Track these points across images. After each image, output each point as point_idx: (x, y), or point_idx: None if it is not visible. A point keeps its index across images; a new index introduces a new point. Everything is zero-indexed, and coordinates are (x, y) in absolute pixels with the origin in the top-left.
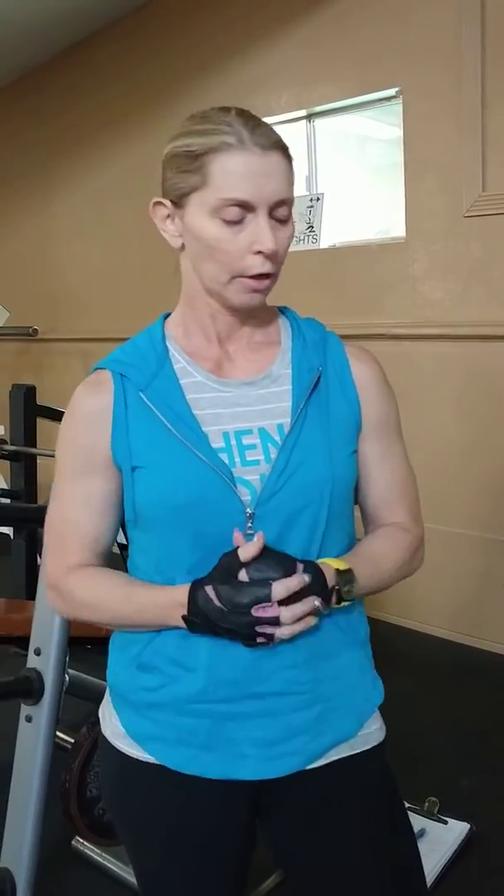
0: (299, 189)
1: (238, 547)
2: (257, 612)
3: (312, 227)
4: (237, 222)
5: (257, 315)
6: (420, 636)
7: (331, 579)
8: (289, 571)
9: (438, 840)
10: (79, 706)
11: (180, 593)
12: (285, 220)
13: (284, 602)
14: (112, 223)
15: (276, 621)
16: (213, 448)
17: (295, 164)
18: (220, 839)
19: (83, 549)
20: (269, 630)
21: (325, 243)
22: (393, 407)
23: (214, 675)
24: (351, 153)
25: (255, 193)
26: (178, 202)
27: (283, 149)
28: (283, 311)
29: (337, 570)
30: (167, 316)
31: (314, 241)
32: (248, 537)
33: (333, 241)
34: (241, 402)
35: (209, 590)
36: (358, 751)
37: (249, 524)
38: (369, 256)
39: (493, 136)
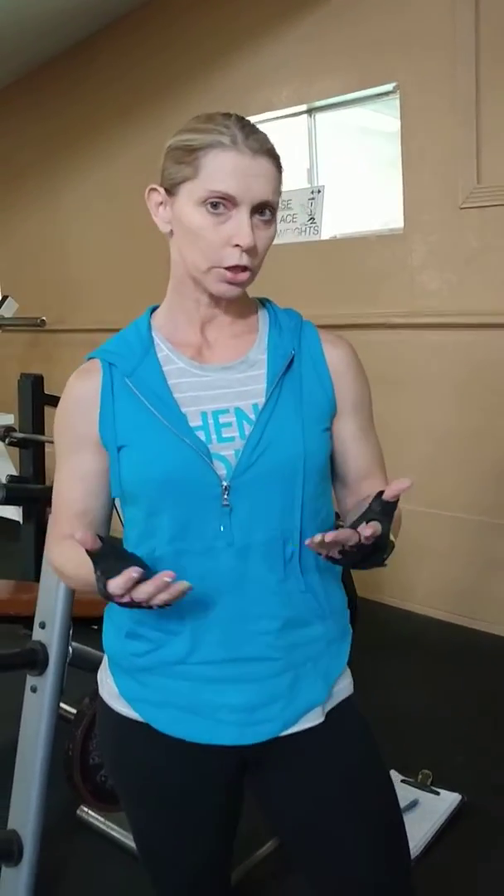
0: (301, 182)
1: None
2: (119, 601)
3: (313, 218)
4: (220, 215)
5: (238, 305)
6: (421, 618)
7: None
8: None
9: (430, 809)
10: (81, 680)
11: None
12: (268, 221)
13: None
14: (120, 214)
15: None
16: (191, 427)
17: (296, 162)
18: (204, 797)
19: (71, 521)
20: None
21: (325, 234)
22: (366, 388)
23: (198, 637)
24: (353, 146)
25: (241, 190)
26: (171, 190)
27: (273, 156)
28: (263, 302)
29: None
30: (154, 309)
31: (315, 232)
32: (225, 509)
33: (335, 232)
34: (220, 385)
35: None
36: (329, 708)
37: (225, 496)
38: (368, 247)
39: (487, 130)
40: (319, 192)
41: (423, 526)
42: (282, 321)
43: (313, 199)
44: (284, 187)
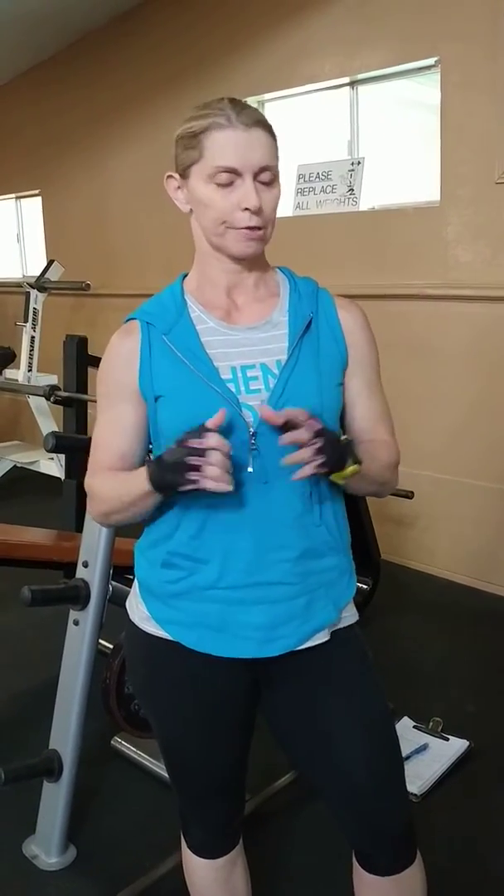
0: (341, 153)
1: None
2: (190, 442)
3: (353, 189)
4: (227, 185)
5: (259, 271)
6: (441, 582)
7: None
8: None
9: (439, 753)
10: (118, 618)
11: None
12: (270, 183)
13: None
14: (163, 183)
15: (203, 453)
16: (223, 379)
17: (337, 133)
18: (227, 705)
19: (110, 460)
20: (195, 461)
21: (364, 206)
22: (374, 349)
23: (226, 564)
24: (394, 118)
25: (241, 161)
26: (184, 174)
27: (265, 126)
28: (281, 270)
29: (343, 438)
30: (185, 276)
31: (354, 203)
32: (253, 452)
33: (373, 203)
34: (246, 344)
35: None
36: (335, 628)
37: (253, 441)
38: (405, 219)
39: None
40: (359, 163)
41: (448, 492)
42: (300, 287)
43: (353, 170)
44: (325, 158)
